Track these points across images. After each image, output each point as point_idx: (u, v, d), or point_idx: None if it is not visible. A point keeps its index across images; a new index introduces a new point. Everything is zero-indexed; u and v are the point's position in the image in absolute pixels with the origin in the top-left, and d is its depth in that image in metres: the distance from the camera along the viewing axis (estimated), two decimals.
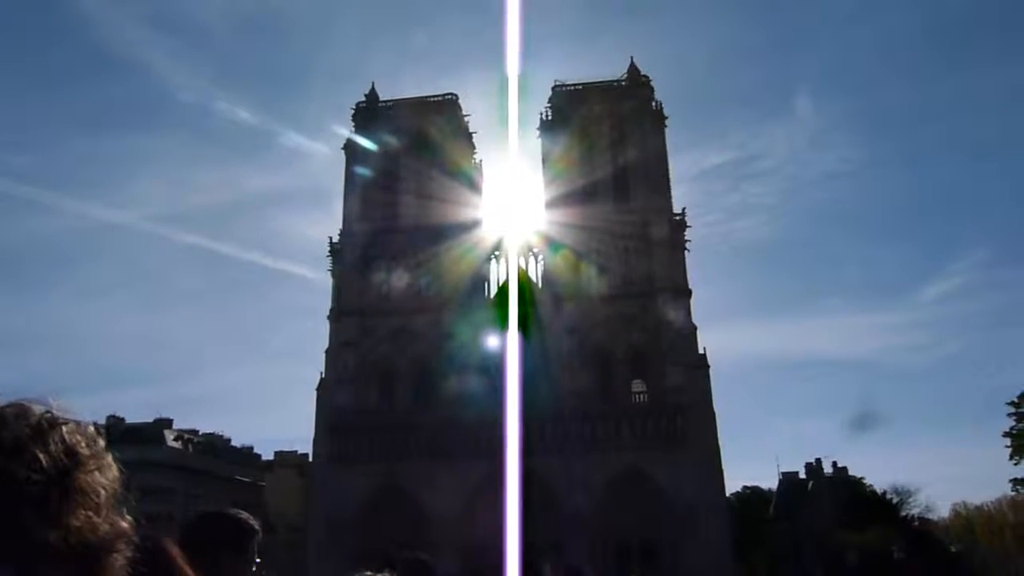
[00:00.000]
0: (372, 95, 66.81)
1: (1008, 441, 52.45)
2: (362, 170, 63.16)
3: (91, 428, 1.38)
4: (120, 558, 1.35)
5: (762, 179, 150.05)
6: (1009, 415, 52.57)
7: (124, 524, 1.37)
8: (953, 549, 70.94)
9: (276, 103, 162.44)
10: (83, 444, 1.34)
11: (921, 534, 65.89)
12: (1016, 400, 52.24)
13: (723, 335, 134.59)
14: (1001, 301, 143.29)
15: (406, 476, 53.17)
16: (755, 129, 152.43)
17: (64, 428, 1.32)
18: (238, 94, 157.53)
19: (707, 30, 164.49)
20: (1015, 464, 52.56)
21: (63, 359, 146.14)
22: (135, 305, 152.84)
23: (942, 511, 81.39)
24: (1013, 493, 63.43)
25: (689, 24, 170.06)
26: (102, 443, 1.39)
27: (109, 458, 1.39)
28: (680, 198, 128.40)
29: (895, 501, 73.96)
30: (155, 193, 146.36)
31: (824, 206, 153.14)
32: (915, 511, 76.18)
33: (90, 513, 1.29)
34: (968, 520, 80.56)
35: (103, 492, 1.34)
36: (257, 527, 3.38)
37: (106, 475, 1.36)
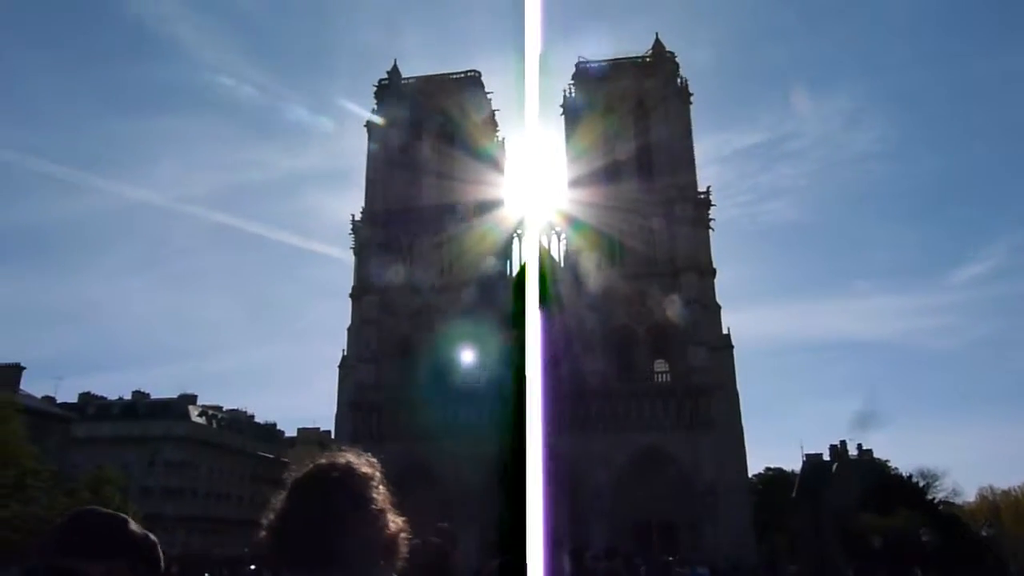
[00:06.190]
0: (394, 72, 66.28)
1: None
2: (384, 148, 62.89)
3: (368, 461, 1.96)
4: (401, 550, 1.87)
5: (793, 160, 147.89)
6: None
7: (400, 522, 1.89)
8: (984, 533, 69.96)
9: (304, 83, 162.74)
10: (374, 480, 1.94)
11: (949, 518, 64.92)
12: None
13: (750, 315, 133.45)
14: None
15: (427, 453, 53.24)
16: (787, 111, 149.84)
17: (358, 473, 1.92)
18: (265, 74, 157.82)
19: (737, 9, 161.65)
20: None
21: (92, 336, 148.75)
22: (163, 283, 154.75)
23: (968, 496, 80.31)
24: None
25: (718, 3, 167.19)
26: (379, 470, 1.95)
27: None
28: (712, 178, 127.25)
29: (921, 485, 72.91)
30: (184, 173, 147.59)
31: (855, 187, 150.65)
32: (941, 495, 75.14)
33: (381, 525, 1.85)
34: (995, 504, 79.37)
35: (384, 502, 1.90)
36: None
37: (382, 488, 1.92)
